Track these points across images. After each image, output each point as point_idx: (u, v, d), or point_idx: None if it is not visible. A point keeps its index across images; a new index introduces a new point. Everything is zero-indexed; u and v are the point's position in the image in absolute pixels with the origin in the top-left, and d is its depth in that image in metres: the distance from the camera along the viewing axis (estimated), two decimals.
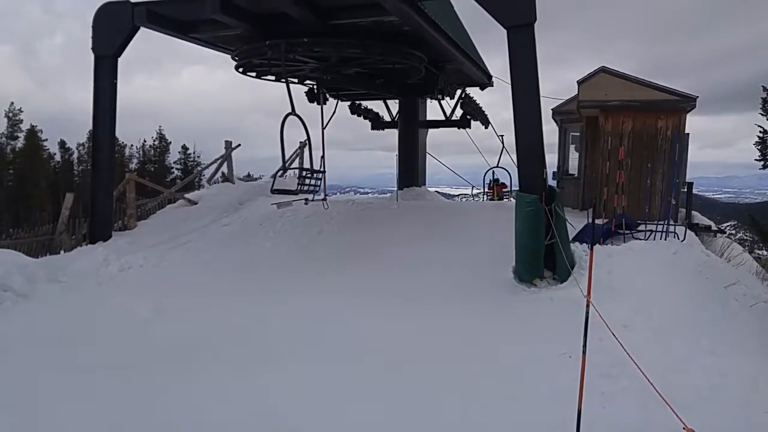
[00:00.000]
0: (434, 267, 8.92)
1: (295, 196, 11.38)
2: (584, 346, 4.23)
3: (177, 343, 6.65)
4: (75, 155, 44.00)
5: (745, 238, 31.41)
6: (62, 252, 10.71)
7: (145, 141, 42.01)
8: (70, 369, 5.92)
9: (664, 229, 9.22)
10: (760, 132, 23.01)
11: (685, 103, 11.09)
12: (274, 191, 11.27)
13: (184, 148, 41.72)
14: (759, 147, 23.03)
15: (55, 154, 43.15)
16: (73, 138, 44.29)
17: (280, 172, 10.90)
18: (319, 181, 11.57)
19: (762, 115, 22.92)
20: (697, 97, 11.08)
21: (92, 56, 10.83)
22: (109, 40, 10.58)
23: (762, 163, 22.91)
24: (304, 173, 11.34)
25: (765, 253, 22.14)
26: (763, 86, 22.87)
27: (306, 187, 11.22)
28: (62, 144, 43.47)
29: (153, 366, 5.98)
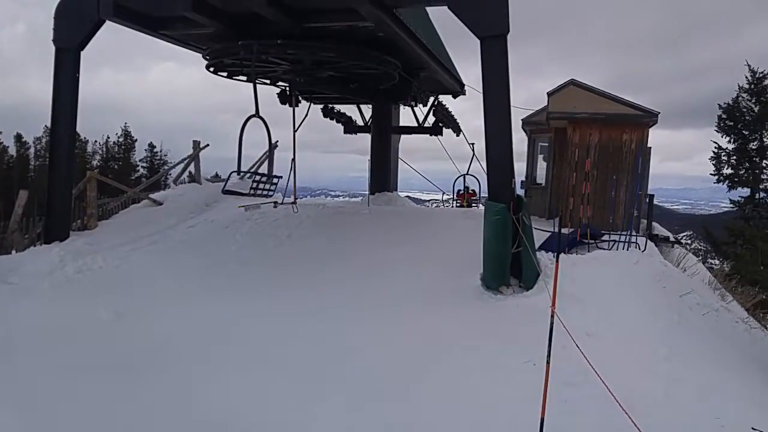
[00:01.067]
0: (402, 273, 8.93)
1: (263, 198, 11.27)
2: (548, 354, 4.31)
3: (137, 347, 6.52)
4: (32, 150, 42.57)
5: (700, 248, 32.54)
6: (14, 252, 10.24)
7: (108, 137, 40.96)
8: (19, 374, 5.74)
9: (627, 240, 9.49)
10: (715, 148, 24.00)
11: (648, 117, 11.43)
12: (225, 192, 11.18)
13: (151, 146, 40.84)
14: (714, 162, 24.04)
15: (8, 147, 41.69)
16: (31, 132, 42.77)
17: (235, 173, 10.77)
18: (274, 186, 11.49)
19: (718, 131, 23.92)
20: (659, 112, 11.44)
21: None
22: (72, 32, 10.21)
23: (716, 177, 23.93)
24: (258, 178, 11.26)
25: (717, 263, 23.03)
26: (719, 105, 23.84)
27: (259, 192, 11.14)
28: (18, 138, 41.99)
29: (112, 370, 5.86)
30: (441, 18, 10.89)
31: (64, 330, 7.02)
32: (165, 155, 40.37)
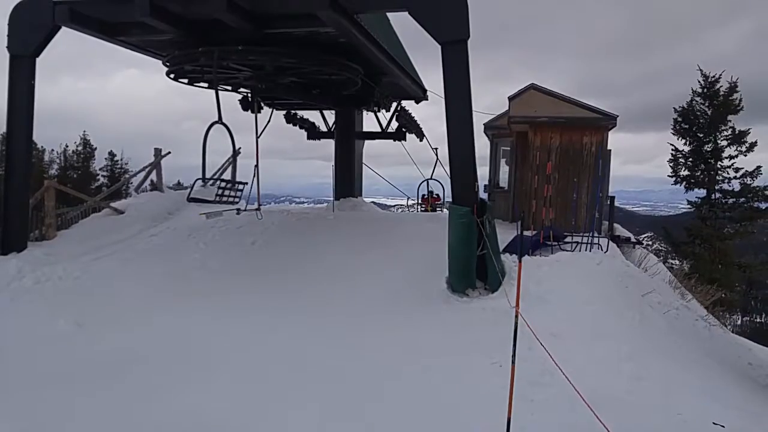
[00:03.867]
0: (369, 278, 8.93)
1: (226, 206, 11.12)
2: (513, 355, 4.35)
3: (97, 359, 6.37)
4: None
5: (660, 248, 33.44)
6: None
7: (67, 146, 39.75)
8: None
9: (589, 241, 9.67)
10: (672, 150, 24.75)
11: (606, 120, 11.69)
12: (190, 200, 11.03)
13: (111, 154, 39.75)
14: (671, 164, 24.77)
15: None
16: None
17: (199, 181, 10.61)
18: (240, 192, 11.36)
19: (674, 134, 24.69)
20: (617, 115, 11.72)
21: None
22: (27, 39, 10.00)
23: (674, 178, 24.66)
24: (223, 184, 11.12)
25: (677, 263, 23.71)
26: (674, 108, 24.61)
27: (225, 198, 11.00)
28: None
29: (73, 382, 5.71)
30: (404, 24, 10.96)
31: (23, 342, 6.83)
32: (126, 164, 39.35)
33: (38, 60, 10.32)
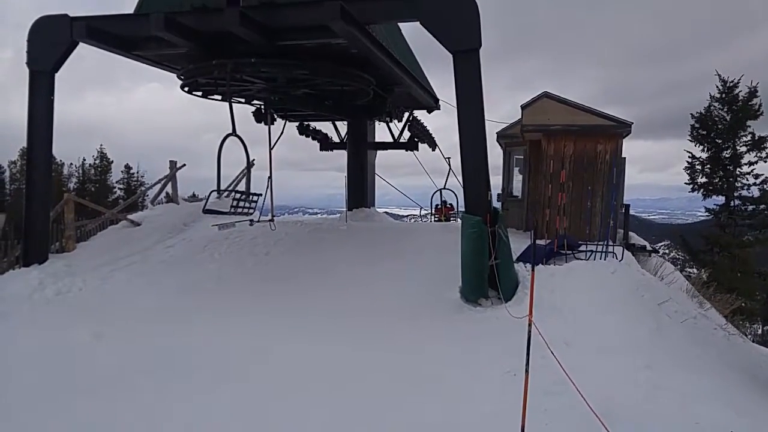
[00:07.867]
0: (382, 288, 8.93)
1: (239, 217, 11.21)
2: (527, 364, 4.33)
3: (118, 369, 6.43)
4: (7, 173, 41.88)
5: (677, 257, 32.96)
6: None
7: (84, 159, 40.51)
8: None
9: (604, 250, 9.58)
10: (688, 157, 24.41)
11: (621, 128, 11.61)
12: (205, 211, 11.13)
13: (127, 167, 40.44)
14: (688, 171, 24.41)
15: None
16: (5, 155, 42.04)
17: (214, 193, 10.72)
18: (254, 204, 11.45)
19: (691, 141, 24.33)
20: (632, 123, 11.62)
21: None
22: (46, 55, 10.21)
23: (690, 186, 24.28)
24: (238, 196, 11.22)
25: (695, 271, 23.32)
26: (691, 114, 24.28)
27: (239, 210, 11.09)
28: None
29: (92, 391, 5.77)
30: (414, 33, 11.02)
31: (43, 352, 6.91)
32: (142, 176, 39.96)
33: (65, 76, 10.56)
